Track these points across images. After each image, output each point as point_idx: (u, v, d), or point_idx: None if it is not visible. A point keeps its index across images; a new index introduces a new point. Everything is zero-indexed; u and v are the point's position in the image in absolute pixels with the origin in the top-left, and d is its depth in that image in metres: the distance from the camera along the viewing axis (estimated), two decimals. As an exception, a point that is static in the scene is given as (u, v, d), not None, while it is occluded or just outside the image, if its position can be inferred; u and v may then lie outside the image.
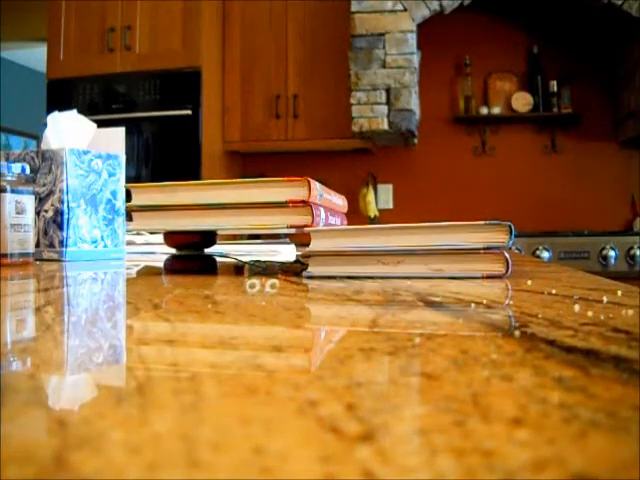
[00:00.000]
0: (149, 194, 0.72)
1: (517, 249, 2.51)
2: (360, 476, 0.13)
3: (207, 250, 0.76)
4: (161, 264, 0.75)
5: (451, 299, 0.45)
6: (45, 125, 1.05)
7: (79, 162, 1.00)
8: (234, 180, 0.70)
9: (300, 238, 0.75)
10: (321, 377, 0.23)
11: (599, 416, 0.17)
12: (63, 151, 0.98)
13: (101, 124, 1.12)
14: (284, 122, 3.10)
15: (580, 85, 3.13)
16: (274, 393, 0.20)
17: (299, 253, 0.94)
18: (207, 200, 0.69)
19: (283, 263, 0.90)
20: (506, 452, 0.14)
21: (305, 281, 0.61)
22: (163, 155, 2.99)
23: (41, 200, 0.98)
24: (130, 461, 0.14)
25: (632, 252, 2.55)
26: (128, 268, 0.91)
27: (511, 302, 0.47)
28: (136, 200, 0.72)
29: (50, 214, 0.98)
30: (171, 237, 0.73)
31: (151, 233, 1.28)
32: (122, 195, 1.07)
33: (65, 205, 0.97)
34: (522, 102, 3.17)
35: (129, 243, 1.23)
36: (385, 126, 2.86)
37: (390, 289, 0.52)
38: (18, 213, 0.83)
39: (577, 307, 0.40)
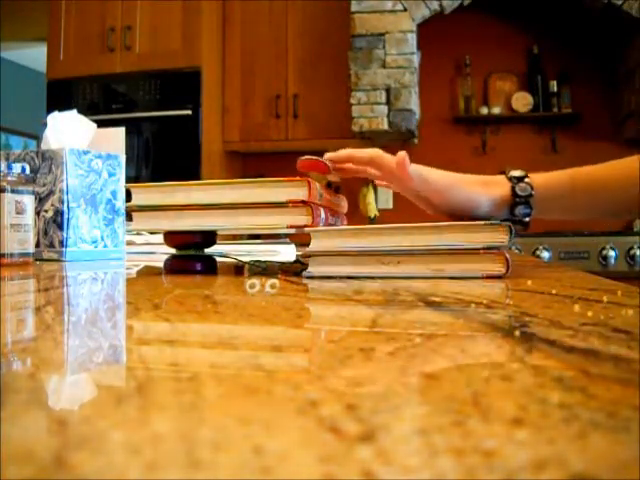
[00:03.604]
0: (149, 194, 0.72)
1: (517, 249, 2.50)
2: (360, 476, 0.13)
3: (207, 250, 0.76)
4: (161, 264, 0.75)
5: (451, 299, 0.45)
6: (45, 125, 1.05)
7: (79, 162, 1.00)
8: (234, 180, 0.70)
9: (300, 238, 0.75)
10: (321, 377, 0.23)
11: (599, 416, 0.17)
12: (63, 151, 0.98)
13: (101, 124, 1.12)
14: (284, 122, 3.10)
15: (580, 85, 3.13)
16: (274, 393, 0.20)
17: (299, 253, 0.94)
18: (207, 200, 0.69)
19: (283, 263, 0.90)
20: (506, 452, 0.14)
21: (305, 281, 0.61)
22: (163, 155, 2.99)
23: (41, 200, 0.98)
24: (130, 461, 0.14)
25: (632, 252, 2.55)
26: (128, 268, 0.91)
27: (511, 302, 0.47)
28: (136, 200, 0.72)
29: (50, 214, 0.98)
30: (171, 237, 0.73)
31: (151, 233, 1.28)
32: (122, 195, 1.07)
33: (65, 205, 0.97)
34: (522, 102, 3.17)
35: (129, 243, 1.23)
36: (385, 126, 2.85)
37: (390, 289, 0.52)
38: (18, 213, 0.83)
39: (577, 307, 0.40)
